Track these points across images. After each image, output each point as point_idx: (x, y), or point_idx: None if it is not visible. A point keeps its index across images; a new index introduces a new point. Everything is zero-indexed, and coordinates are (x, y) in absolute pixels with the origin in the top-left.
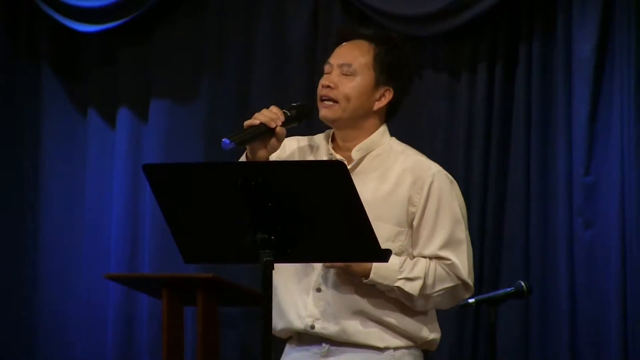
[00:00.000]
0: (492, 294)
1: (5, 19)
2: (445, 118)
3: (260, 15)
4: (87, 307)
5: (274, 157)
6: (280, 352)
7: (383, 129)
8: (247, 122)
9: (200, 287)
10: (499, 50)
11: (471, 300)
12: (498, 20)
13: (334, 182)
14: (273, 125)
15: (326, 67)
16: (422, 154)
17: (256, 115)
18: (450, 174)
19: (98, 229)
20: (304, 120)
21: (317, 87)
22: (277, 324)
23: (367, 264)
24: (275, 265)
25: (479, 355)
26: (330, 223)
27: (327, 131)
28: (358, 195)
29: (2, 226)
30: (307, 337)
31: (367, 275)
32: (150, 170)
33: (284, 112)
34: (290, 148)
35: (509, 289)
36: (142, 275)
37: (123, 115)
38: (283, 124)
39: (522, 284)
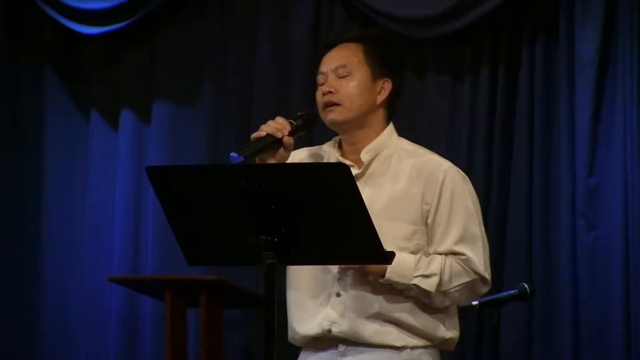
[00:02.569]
0: (495, 296)
1: (8, 20)
2: (447, 119)
3: (262, 18)
4: (89, 309)
5: None
6: (294, 357)
7: (390, 129)
8: (254, 135)
9: (204, 289)
10: (502, 51)
11: (474, 303)
12: (501, 22)
13: (336, 184)
14: (280, 135)
15: (320, 78)
16: (433, 152)
17: (262, 126)
18: None
19: (101, 231)
20: (311, 128)
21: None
22: (295, 334)
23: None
24: (291, 273)
25: (482, 357)
26: (333, 225)
27: (334, 138)
28: (361, 197)
29: (4, 228)
30: (324, 340)
31: (383, 275)
32: (154, 173)
33: (289, 122)
34: (300, 157)
35: (512, 291)
36: (145, 277)
37: (126, 117)
38: (290, 134)
39: (526, 286)
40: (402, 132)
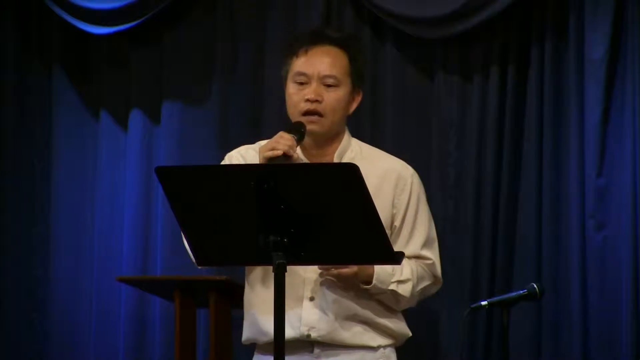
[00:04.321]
0: (504, 296)
1: (17, 20)
2: (457, 120)
3: (271, 17)
4: (98, 309)
5: None
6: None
7: (347, 131)
8: (269, 154)
9: (213, 289)
10: (511, 52)
11: (484, 303)
12: (510, 22)
13: (346, 184)
14: (292, 153)
15: (300, 77)
16: (389, 154)
17: (274, 145)
18: (463, 176)
19: (110, 231)
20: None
21: None
22: (262, 336)
23: (370, 270)
24: (252, 273)
25: (491, 358)
26: (342, 225)
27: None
28: (371, 198)
29: (13, 228)
30: (297, 344)
31: (369, 281)
32: (163, 173)
33: (293, 137)
34: (251, 158)
35: (521, 292)
36: (154, 277)
37: (135, 117)
38: None
39: (535, 286)
40: (411, 132)
